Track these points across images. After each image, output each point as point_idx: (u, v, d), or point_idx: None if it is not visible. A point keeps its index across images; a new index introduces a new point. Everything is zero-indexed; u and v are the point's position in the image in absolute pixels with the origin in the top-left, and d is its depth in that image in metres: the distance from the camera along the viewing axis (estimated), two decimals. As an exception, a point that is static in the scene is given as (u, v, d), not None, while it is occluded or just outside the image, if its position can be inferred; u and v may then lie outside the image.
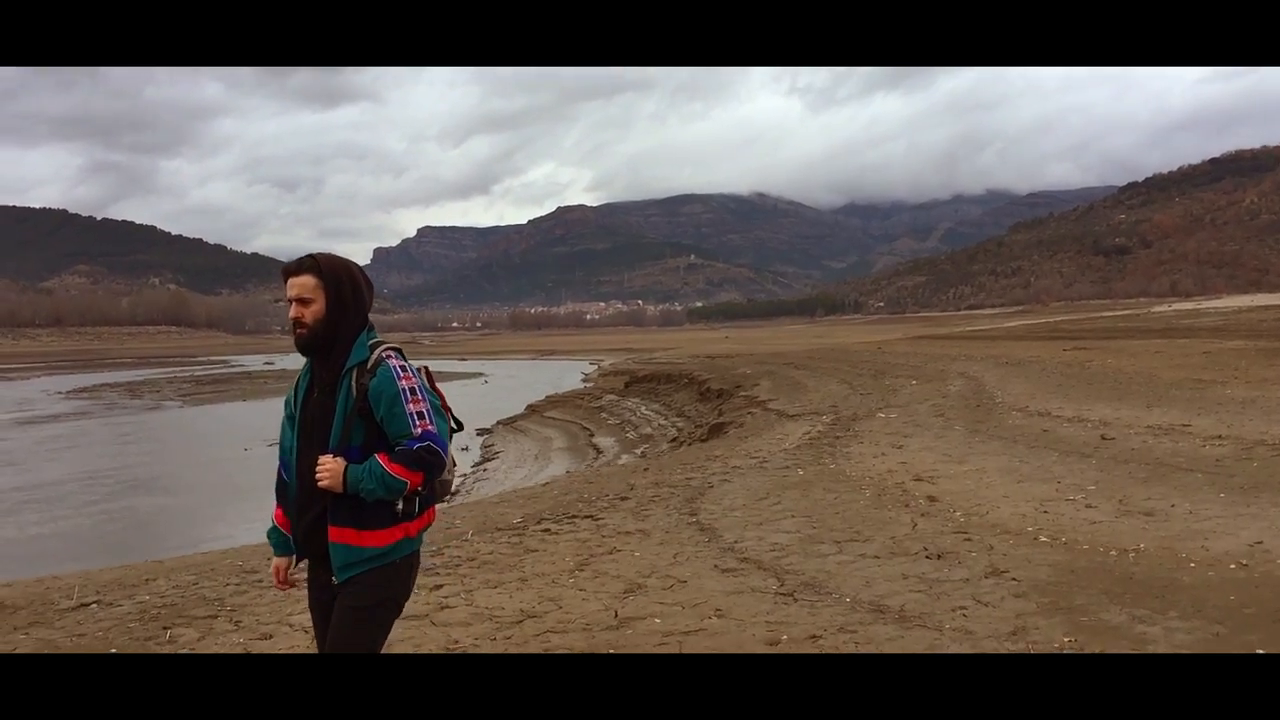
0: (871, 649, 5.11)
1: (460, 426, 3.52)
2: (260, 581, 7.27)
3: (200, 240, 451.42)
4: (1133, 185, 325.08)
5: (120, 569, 9.03)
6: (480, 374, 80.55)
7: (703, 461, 12.81)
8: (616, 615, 5.93)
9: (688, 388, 33.50)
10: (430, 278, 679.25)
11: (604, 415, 35.60)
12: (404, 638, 5.71)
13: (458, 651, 5.39)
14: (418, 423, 3.23)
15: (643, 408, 34.43)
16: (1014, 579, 6.24)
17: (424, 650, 5.42)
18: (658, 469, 13.09)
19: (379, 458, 3.20)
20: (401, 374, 3.27)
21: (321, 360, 3.36)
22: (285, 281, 3.36)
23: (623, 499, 10.11)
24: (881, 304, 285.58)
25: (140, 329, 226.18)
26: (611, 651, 5.26)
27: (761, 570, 6.83)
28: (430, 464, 3.24)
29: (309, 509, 3.32)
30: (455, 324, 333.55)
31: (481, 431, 36.90)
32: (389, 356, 3.30)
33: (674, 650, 5.25)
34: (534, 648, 5.42)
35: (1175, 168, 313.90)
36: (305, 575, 3.55)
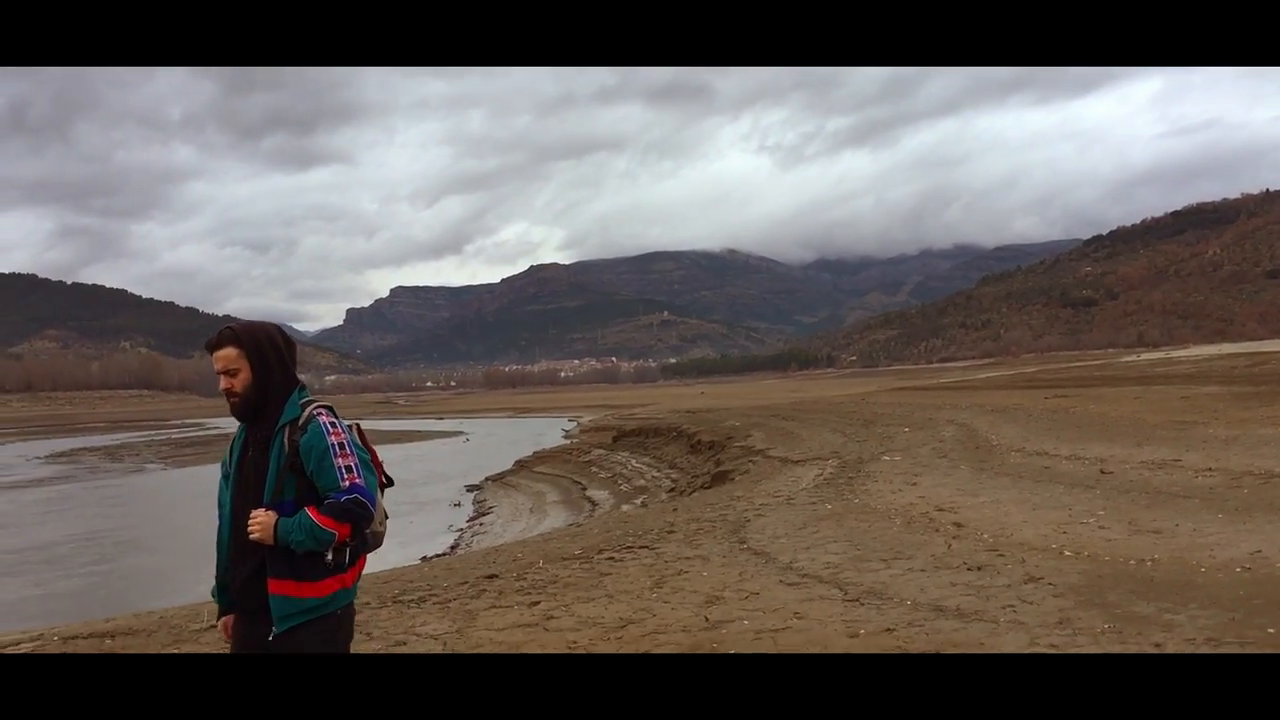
0: (941, 638, 5.96)
1: (390, 482, 3.66)
2: (369, 604, 8.02)
3: (172, 303, 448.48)
4: (1097, 238, 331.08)
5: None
6: (461, 432, 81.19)
7: (727, 502, 13.61)
8: (708, 620, 6.76)
9: (677, 441, 34.04)
10: (403, 338, 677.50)
11: (595, 469, 36.06)
12: (525, 641, 6.51)
13: (579, 651, 6.18)
14: (345, 476, 3.35)
15: (633, 461, 34.86)
16: (1050, 584, 7.13)
17: (549, 651, 6.20)
18: (687, 509, 13.88)
19: (308, 510, 3.32)
20: (331, 430, 3.39)
21: (255, 421, 3.50)
22: (210, 355, 3.51)
23: (669, 532, 10.93)
24: (854, 358, 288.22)
25: (113, 393, 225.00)
26: (715, 648, 6.08)
27: (823, 583, 7.69)
28: (357, 515, 3.36)
29: (244, 563, 3.42)
30: (430, 383, 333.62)
31: (472, 488, 37.41)
32: (320, 414, 3.43)
33: (769, 644, 6.08)
34: (646, 646, 6.23)
35: (1138, 221, 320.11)
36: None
